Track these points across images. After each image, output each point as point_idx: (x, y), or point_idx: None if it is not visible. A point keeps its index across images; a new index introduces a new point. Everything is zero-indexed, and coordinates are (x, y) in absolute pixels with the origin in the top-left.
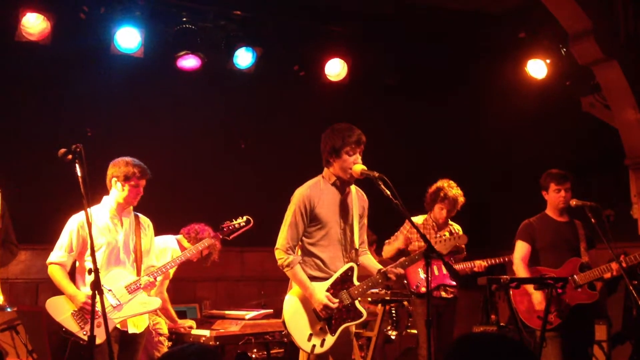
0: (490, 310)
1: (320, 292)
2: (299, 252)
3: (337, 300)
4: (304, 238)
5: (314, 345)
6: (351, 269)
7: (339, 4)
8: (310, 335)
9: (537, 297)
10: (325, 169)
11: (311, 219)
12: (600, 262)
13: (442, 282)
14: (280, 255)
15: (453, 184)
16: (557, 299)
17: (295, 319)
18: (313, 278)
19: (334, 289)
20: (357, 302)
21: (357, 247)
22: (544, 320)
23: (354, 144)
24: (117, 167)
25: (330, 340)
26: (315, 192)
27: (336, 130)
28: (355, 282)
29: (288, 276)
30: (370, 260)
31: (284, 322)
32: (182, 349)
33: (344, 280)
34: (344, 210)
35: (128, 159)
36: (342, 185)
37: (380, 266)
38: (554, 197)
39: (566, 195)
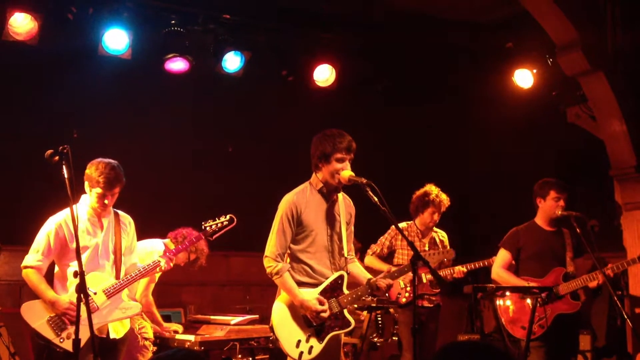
0: (475, 319)
1: (311, 299)
2: (288, 260)
3: (326, 306)
4: (291, 245)
5: (301, 352)
6: (341, 277)
7: (328, 10)
8: (299, 342)
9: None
10: (314, 174)
11: (297, 225)
12: (582, 272)
13: (423, 291)
14: (269, 263)
15: (439, 189)
16: (540, 308)
17: (284, 325)
18: (302, 284)
19: (324, 297)
20: (345, 311)
21: (346, 255)
22: (528, 330)
23: (344, 150)
24: (90, 169)
25: (318, 347)
26: (301, 198)
27: (327, 136)
28: (345, 291)
29: (277, 284)
30: (359, 269)
31: (272, 328)
32: (170, 354)
33: (334, 289)
34: (331, 218)
35: (104, 163)
36: (329, 192)
37: (369, 275)
38: (551, 205)
39: (563, 205)
